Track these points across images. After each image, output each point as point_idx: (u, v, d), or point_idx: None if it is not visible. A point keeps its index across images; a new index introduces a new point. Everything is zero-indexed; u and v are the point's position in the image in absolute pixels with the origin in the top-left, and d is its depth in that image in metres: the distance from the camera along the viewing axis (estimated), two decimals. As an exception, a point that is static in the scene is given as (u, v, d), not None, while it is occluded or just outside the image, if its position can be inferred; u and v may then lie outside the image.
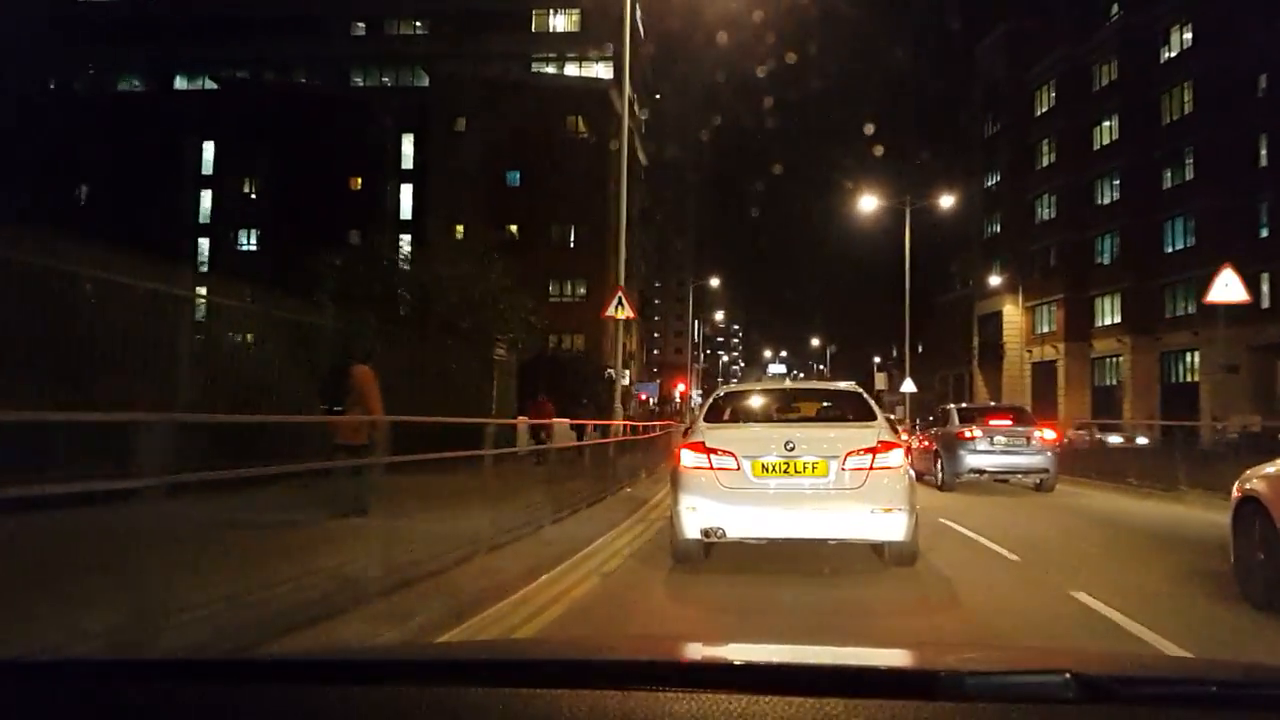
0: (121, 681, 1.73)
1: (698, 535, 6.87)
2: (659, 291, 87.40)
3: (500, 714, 1.49)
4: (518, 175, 44.03)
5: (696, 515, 6.86)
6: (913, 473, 7.23)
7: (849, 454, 6.76)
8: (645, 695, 1.49)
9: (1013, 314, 53.68)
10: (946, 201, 37.86)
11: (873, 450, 6.79)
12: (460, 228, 42.53)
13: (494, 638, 4.99)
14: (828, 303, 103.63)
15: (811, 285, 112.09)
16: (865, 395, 8.04)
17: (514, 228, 43.96)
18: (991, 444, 15.18)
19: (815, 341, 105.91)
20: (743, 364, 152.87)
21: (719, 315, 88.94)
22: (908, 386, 32.97)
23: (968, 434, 15.26)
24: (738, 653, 2.27)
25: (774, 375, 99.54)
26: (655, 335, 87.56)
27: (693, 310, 70.60)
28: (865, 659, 2.14)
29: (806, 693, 1.47)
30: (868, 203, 34.79)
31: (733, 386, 9.71)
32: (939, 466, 15.68)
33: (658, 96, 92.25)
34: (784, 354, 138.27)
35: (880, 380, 42.31)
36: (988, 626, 5.61)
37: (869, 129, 64.15)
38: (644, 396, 61.01)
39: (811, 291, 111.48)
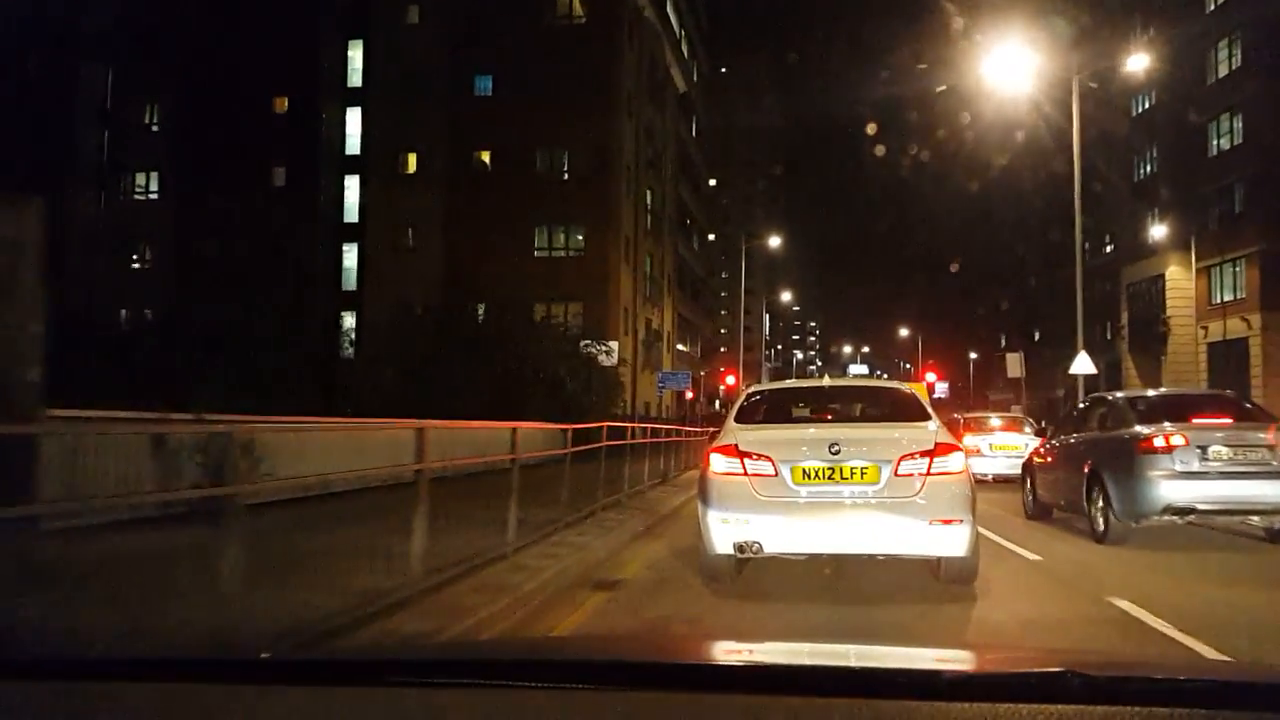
0: (138, 679, 1.81)
1: (730, 550, 6.67)
2: (725, 284, 79.34)
3: (510, 712, 1.62)
4: (489, 81, 34.98)
5: (729, 528, 6.63)
6: (971, 482, 6.80)
7: (902, 458, 6.54)
8: (642, 695, 1.63)
9: (1180, 278, 44.32)
10: (1136, 64, 27.63)
11: (929, 453, 6.54)
12: (413, 156, 33.66)
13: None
14: (917, 292, 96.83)
15: (898, 272, 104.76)
16: (915, 392, 8.03)
17: (485, 155, 34.92)
18: (1205, 459, 10.00)
19: (904, 332, 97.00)
20: (820, 362, 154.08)
21: (786, 297, 79.44)
22: (1082, 365, 22.65)
23: (1159, 442, 10.09)
24: (741, 653, 2.47)
25: (855, 376, 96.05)
26: (723, 332, 79.83)
27: (748, 281, 60.84)
28: (868, 659, 2.26)
29: (810, 693, 1.59)
30: (1011, 71, 24.20)
31: (767, 384, 10.75)
32: (1097, 498, 10.63)
33: (723, 70, 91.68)
34: (866, 349, 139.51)
35: (1014, 364, 32.73)
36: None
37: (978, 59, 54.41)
38: (690, 395, 51.86)
39: (898, 280, 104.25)
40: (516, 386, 19.80)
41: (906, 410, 7.49)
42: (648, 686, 1.67)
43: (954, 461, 6.56)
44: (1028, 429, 19.76)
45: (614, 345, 27.69)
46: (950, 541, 6.45)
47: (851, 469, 6.53)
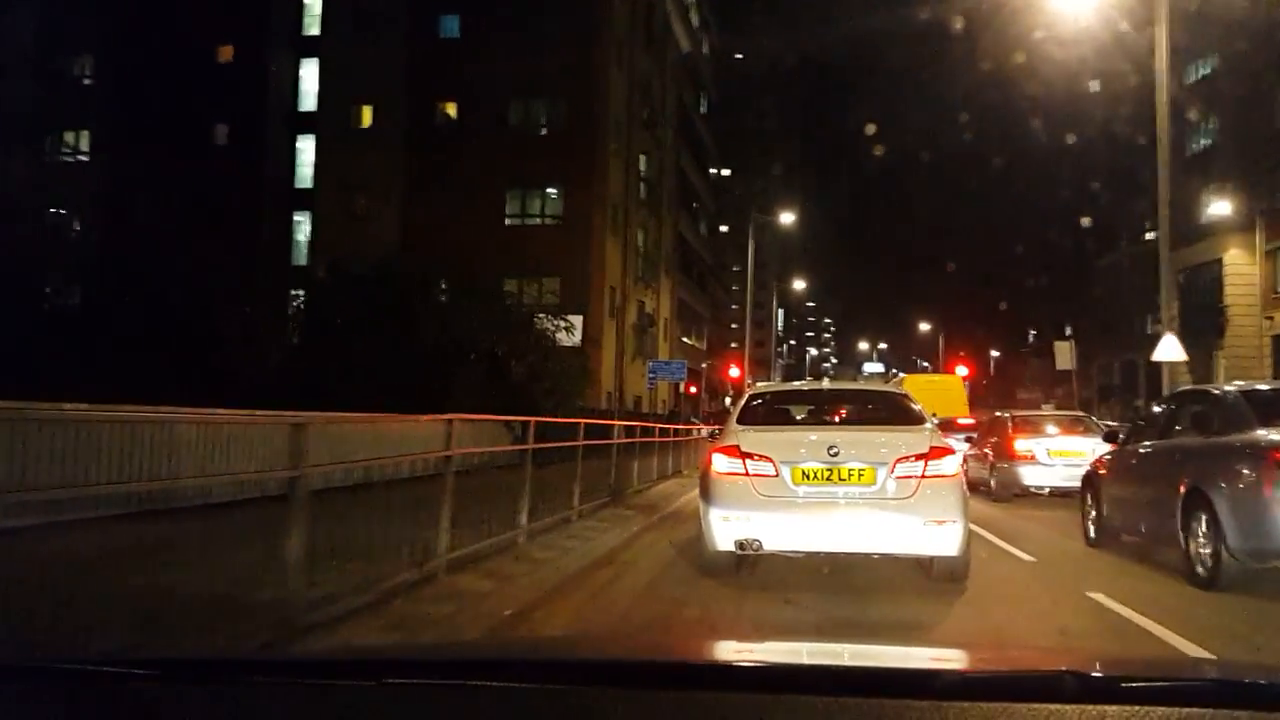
0: (137, 681, 1.84)
1: (731, 547, 7.01)
2: (737, 277, 76.67)
3: (510, 712, 1.67)
4: (455, 21, 31.17)
5: (730, 526, 6.97)
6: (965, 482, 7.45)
7: (898, 460, 6.92)
8: (642, 695, 1.67)
9: (1241, 262, 40.90)
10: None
11: (924, 456, 6.93)
12: (368, 110, 29.93)
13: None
14: (936, 288, 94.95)
15: (917, 268, 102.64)
16: (910, 396, 8.54)
17: (450, 106, 31.18)
18: None
19: (925, 327, 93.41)
20: (834, 360, 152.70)
21: (799, 286, 75.86)
22: (1169, 351, 18.00)
23: None
24: (740, 653, 2.52)
25: (870, 375, 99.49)
26: (734, 327, 77.64)
27: (761, 273, 57.03)
28: (866, 659, 2.32)
29: (809, 692, 1.62)
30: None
31: (767, 386, 11.88)
32: (1200, 528, 7.92)
33: (738, 56, 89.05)
34: (883, 345, 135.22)
35: (1063, 354, 28.69)
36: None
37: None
38: (693, 389, 48.07)
39: (917, 276, 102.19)
40: (438, 369, 15.91)
41: (903, 414, 7.92)
42: (648, 686, 1.71)
43: (947, 465, 6.98)
44: (1095, 431, 16.24)
45: (576, 321, 23.52)
46: (943, 541, 6.81)
47: (849, 470, 6.88)
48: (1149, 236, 61.50)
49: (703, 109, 58.07)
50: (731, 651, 2.53)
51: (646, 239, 37.42)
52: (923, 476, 6.77)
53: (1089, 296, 67.22)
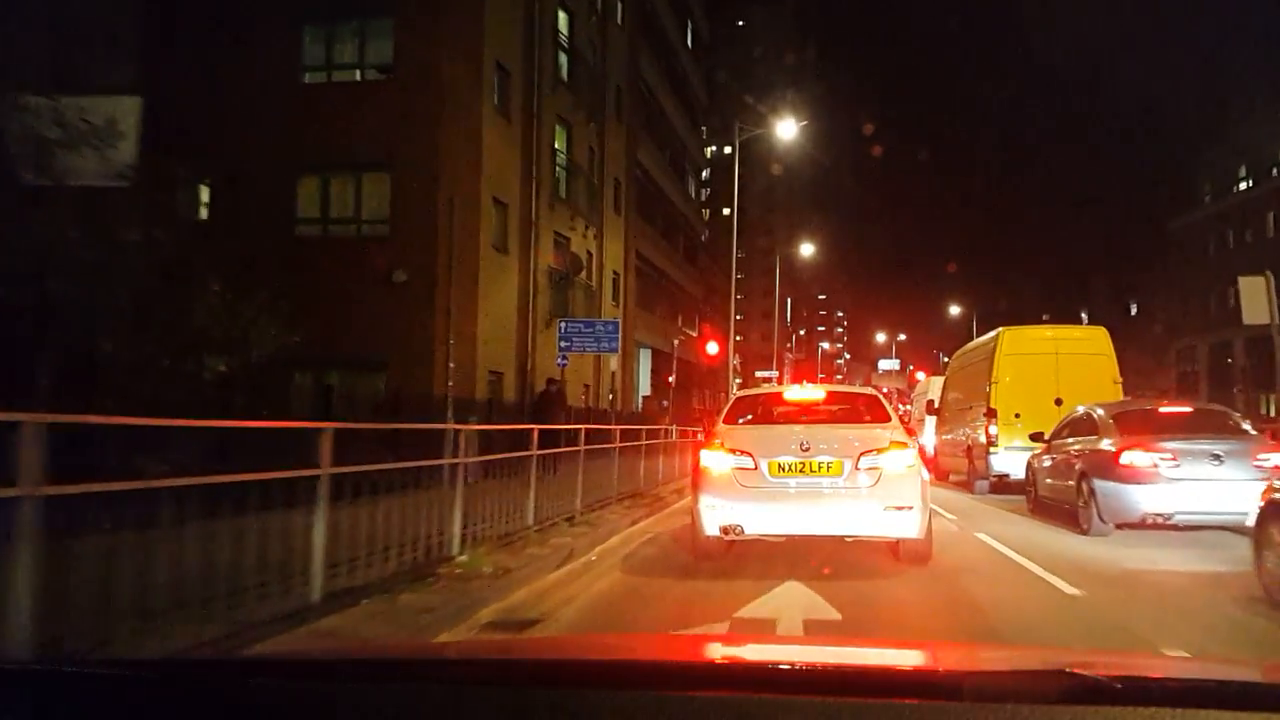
0: (137, 681, 1.87)
1: (717, 532, 8.31)
2: (740, 265, 68.60)
3: (508, 712, 1.69)
4: None
5: (716, 513, 8.28)
6: (926, 472, 8.59)
7: (862, 454, 8.20)
8: (640, 695, 1.68)
9: None
10: None
11: (884, 450, 8.21)
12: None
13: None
14: (959, 275, 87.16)
15: (938, 253, 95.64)
16: (880, 397, 9.82)
17: None
18: None
19: (956, 309, 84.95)
20: (847, 355, 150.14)
21: (807, 249, 65.79)
22: None
23: None
24: (738, 653, 2.61)
25: (884, 372, 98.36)
26: (740, 318, 70.08)
27: (763, 239, 46.51)
28: (865, 659, 2.41)
29: (807, 692, 1.64)
30: None
31: (752, 390, 13.99)
32: None
33: (740, 24, 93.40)
34: (902, 337, 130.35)
35: (1257, 299, 15.25)
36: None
37: None
38: (671, 378, 38.54)
39: (938, 260, 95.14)
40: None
41: (871, 412, 9.30)
42: (646, 686, 1.73)
43: (906, 457, 8.26)
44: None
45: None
46: (904, 525, 8.07)
47: (819, 463, 8.20)
48: (1241, 187, 50.41)
49: (688, 40, 48.05)
50: (726, 652, 2.61)
51: (571, 142, 26.18)
52: (883, 468, 8.10)
53: (1161, 266, 56.83)
